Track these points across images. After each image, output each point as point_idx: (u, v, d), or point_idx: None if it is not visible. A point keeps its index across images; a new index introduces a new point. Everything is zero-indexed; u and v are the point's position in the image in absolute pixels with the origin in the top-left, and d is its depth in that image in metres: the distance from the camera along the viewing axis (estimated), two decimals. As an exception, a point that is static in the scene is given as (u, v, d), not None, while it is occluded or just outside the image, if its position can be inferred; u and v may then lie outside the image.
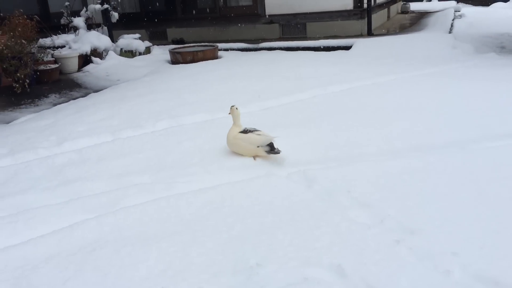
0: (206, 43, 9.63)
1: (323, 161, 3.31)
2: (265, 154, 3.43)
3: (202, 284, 2.02)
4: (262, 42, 9.49)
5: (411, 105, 4.45)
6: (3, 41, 6.12)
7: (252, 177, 3.10)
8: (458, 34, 8.98)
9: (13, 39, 6.20)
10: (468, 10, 14.60)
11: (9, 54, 6.07)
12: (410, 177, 2.89)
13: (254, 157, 3.47)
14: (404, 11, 14.97)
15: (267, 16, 10.14)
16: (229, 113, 3.63)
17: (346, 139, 3.66)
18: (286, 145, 3.61)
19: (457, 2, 17.10)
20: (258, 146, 3.41)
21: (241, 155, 3.49)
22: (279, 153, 3.39)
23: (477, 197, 2.58)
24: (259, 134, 3.43)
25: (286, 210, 2.62)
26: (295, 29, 10.02)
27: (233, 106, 3.60)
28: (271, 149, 3.41)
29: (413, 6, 15.62)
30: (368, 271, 2.01)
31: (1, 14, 7.05)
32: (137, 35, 9.54)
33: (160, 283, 2.04)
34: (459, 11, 13.84)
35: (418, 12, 14.52)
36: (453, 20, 11.51)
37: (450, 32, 9.24)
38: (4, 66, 6.14)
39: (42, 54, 7.33)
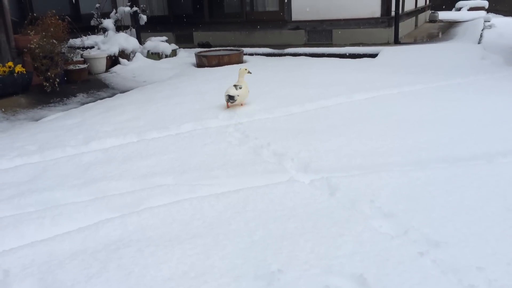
0: (231, 47, 9.70)
1: (347, 169, 3.29)
2: (225, 100, 5.05)
3: (222, 287, 2.03)
4: (288, 47, 9.51)
5: (438, 115, 4.39)
6: (35, 40, 6.28)
7: (274, 183, 3.10)
8: (487, 44, 8.82)
9: (45, 39, 6.36)
10: (498, 20, 14.34)
11: (41, 54, 6.23)
12: (435, 189, 2.85)
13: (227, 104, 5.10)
14: (432, 20, 14.81)
15: (293, 22, 10.16)
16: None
17: (371, 147, 3.63)
18: (309, 151, 3.61)
19: (487, 12, 16.83)
20: (225, 94, 4.99)
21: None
22: (228, 101, 5.01)
23: (505, 212, 2.53)
24: (233, 88, 5.00)
25: (308, 217, 2.61)
26: (321, 35, 10.00)
27: (241, 68, 5.24)
28: (229, 98, 4.96)
29: (442, 15, 15.44)
30: (390, 282, 1.99)
31: (35, 14, 7.23)
32: (164, 38, 9.68)
33: (182, 284, 2.06)
34: (489, 21, 13.60)
35: (447, 22, 14.34)
36: (482, 30, 11.32)
37: (479, 43, 9.09)
38: (36, 65, 6.30)
39: (72, 54, 7.50)
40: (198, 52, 8.98)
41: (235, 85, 5.05)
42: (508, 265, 2.06)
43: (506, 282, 1.96)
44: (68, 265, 2.26)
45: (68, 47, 7.57)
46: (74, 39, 8.54)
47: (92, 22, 9.07)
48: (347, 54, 8.61)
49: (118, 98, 6.33)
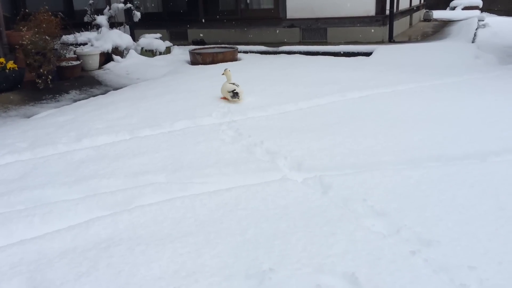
0: (226, 45, 9.67)
1: (340, 167, 3.28)
2: (230, 98, 5.17)
3: (214, 286, 2.02)
4: (282, 45, 9.49)
5: (431, 114, 4.39)
6: (28, 36, 6.22)
7: (267, 181, 3.09)
8: (481, 43, 8.84)
9: (37, 35, 6.30)
10: (492, 19, 14.38)
11: (33, 50, 6.17)
12: (428, 188, 2.84)
13: (227, 98, 5.24)
14: (427, 19, 14.83)
15: (288, 20, 10.14)
16: (223, 74, 5.47)
17: (364, 146, 3.63)
18: (302, 150, 3.60)
19: (481, 12, 16.89)
20: (228, 92, 5.17)
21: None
22: (234, 98, 5.14)
23: (497, 211, 2.53)
24: (233, 85, 5.19)
25: (301, 215, 2.60)
26: (315, 33, 9.99)
27: (226, 69, 5.46)
28: (233, 96, 5.14)
29: (436, 14, 15.47)
30: (382, 281, 1.98)
31: (27, 10, 7.17)
32: (158, 35, 9.63)
33: (172, 283, 2.04)
34: (483, 21, 13.63)
35: (441, 21, 14.37)
36: (476, 29, 11.35)
37: (473, 42, 9.11)
38: (28, 62, 6.25)
39: (65, 51, 7.45)
40: (192, 50, 8.94)
41: (232, 83, 5.25)
42: (500, 264, 2.06)
43: (498, 281, 1.95)
44: (58, 263, 2.24)
45: (61, 43, 7.53)
46: (67, 36, 8.49)
47: (86, 19, 9.01)
48: (342, 53, 8.60)
49: (111, 95, 6.29)
